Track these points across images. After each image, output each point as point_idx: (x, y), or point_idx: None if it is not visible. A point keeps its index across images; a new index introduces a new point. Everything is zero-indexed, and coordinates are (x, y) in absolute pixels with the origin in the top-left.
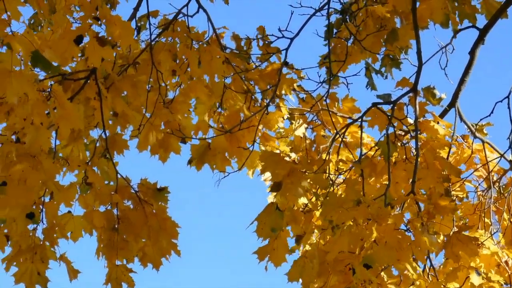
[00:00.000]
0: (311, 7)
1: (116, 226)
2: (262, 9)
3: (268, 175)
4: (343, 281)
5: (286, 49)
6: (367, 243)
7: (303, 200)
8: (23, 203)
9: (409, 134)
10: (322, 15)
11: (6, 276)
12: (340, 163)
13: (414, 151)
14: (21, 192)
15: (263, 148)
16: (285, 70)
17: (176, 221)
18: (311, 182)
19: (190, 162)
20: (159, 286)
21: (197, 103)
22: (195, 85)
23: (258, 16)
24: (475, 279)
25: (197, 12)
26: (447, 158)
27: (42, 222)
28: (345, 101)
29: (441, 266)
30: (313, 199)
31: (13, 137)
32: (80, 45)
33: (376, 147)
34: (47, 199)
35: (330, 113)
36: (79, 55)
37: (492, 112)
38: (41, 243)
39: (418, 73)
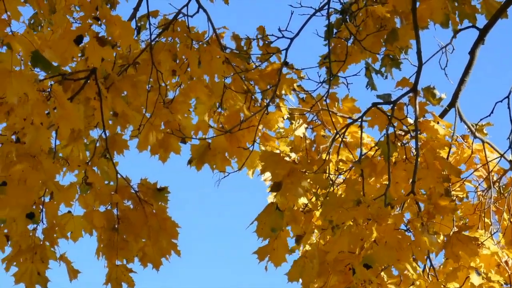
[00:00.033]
0: (311, 7)
1: (116, 226)
2: (262, 9)
3: (268, 175)
4: (343, 281)
5: (286, 49)
6: (367, 243)
7: (303, 200)
8: (23, 203)
9: (409, 134)
10: (322, 15)
11: (6, 276)
12: (340, 163)
13: (414, 151)
14: (21, 192)
15: (263, 148)
16: (285, 70)
17: (176, 221)
18: (311, 182)
19: (190, 162)
20: (159, 286)
21: (197, 103)
22: (195, 85)
23: (258, 16)
24: (475, 279)
25: (197, 12)
26: (447, 158)
27: (42, 222)
28: (345, 101)
29: (441, 266)
30: (313, 199)
31: (13, 137)
32: (80, 45)
33: (376, 147)
34: (47, 199)
35: (330, 113)
36: (79, 55)
37: (492, 112)
38: (41, 243)
39: (418, 73)
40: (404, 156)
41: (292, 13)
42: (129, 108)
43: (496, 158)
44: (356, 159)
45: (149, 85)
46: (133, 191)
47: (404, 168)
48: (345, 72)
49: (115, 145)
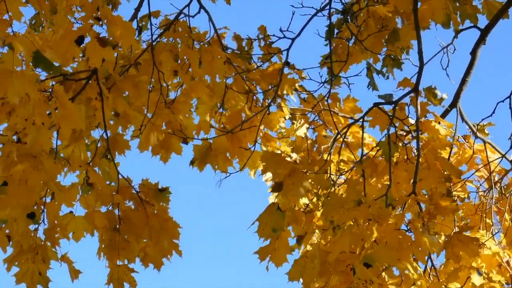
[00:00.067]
0: (312, 7)
1: (118, 226)
2: (263, 10)
3: (269, 175)
4: (344, 282)
5: (288, 49)
6: (367, 243)
7: (304, 201)
8: (24, 203)
9: (410, 134)
10: (324, 15)
11: (7, 276)
12: (341, 163)
13: (415, 151)
14: (22, 192)
15: (264, 148)
16: (286, 70)
17: (177, 221)
18: (312, 183)
19: (192, 162)
20: (160, 286)
21: (199, 104)
22: (196, 85)
23: (259, 16)
24: (476, 279)
25: (198, 12)
26: (449, 158)
27: (44, 222)
28: (346, 101)
29: (442, 266)
30: (314, 200)
31: (14, 137)
32: (81, 46)
33: (377, 148)
34: (48, 200)
35: (332, 113)
36: (80, 55)
37: (493, 112)
38: (43, 243)
39: (419, 73)
40: (406, 157)
41: (293, 13)
42: (131, 108)
43: (498, 158)
44: (358, 159)
45: (151, 85)
46: (134, 192)
47: (405, 168)
48: (347, 72)
49: (116, 145)
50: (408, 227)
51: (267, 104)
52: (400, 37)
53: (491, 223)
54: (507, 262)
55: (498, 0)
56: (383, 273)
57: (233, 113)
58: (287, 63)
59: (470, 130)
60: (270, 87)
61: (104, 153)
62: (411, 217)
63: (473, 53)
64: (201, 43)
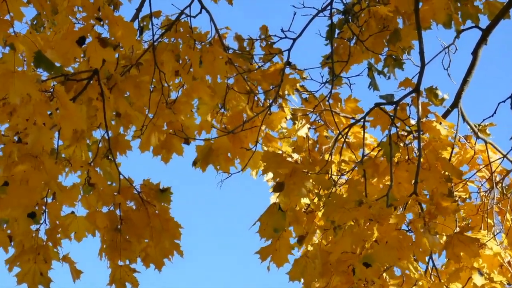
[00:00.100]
0: (313, 8)
1: (119, 226)
2: (265, 10)
3: (271, 175)
4: (346, 282)
5: (289, 50)
6: (368, 243)
7: (305, 201)
8: (25, 203)
9: (411, 135)
10: (325, 16)
11: (8, 277)
12: (343, 164)
13: (416, 151)
14: (23, 192)
15: (265, 148)
16: (287, 70)
17: (178, 221)
18: (314, 183)
19: (195, 163)
20: (162, 286)
21: (200, 104)
22: (198, 86)
23: (261, 16)
24: (478, 280)
25: (200, 12)
26: (450, 158)
27: (45, 223)
28: (348, 102)
29: (444, 267)
30: (316, 200)
31: (15, 137)
32: (82, 46)
33: (379, 148)
34: (50, 200)
35: (333, 113)
36: (82, 55)
37: (495, 113)
38: (44, 243)
39: (420, 73)
40: (407, 157)
41: (294, 14)
42: (132, 109)
43: (499, 158)
44: (359, 160)
45: (152, 86)
46: (135, 192)
47: (406, 169)
48: (348, 72)
49: (117, 145)
50: (409, 227)
51: (268, 104)
52: (402, 37)
53: (492, 224)
54: (509, 262)
55: (499, 1)
56: (384, 274)
57: (235, 113)
58: (288, 63)
59: (471, 130)
60: (271, 87)
61: (106, 154)
62: (412, 217)
63: (475, 53)
64: (203, 44)
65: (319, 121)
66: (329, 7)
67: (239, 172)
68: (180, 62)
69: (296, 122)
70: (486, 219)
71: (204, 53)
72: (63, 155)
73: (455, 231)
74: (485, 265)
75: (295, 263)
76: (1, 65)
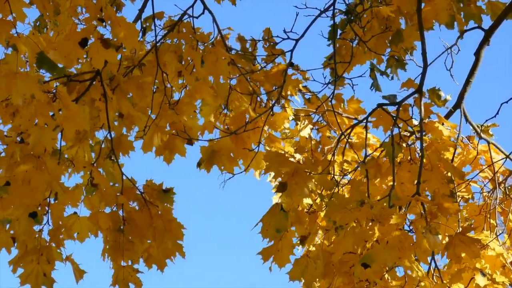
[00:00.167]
0: (316, 8)
1: (122, 227)
2: (267, 10)
3: (273, 175)
4: (348, 283)
5: (291, 50)
6: (369, 244)
7: (307, 201)
8: (27, 203)
9: (414, 135)
10: (327, 16)
11: (12, 278)
12: (345, 164)
13: (419, 152)
14: (25, 192)
15: (268, 149)
16: (290, 71)
17: (181, 222)
18: (316, 183)
19: (199, 164)
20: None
21: (203, 105)
22: (200, 86)
23: (263, 17)
24: (480, 280)
25: (202, 13)
26: (452, 159)
27: (48, 223)
28: (350, 102)
29: (446, 267)
30: (318, 200)
31: (18, 138)
32: (85, 47)
33: (381, 148)
34: (52, 201)
35: (336, 114)
36: (84, 56)
37: (497, 113)
38: (47, 244)
39: (423, 74)
40: (409, 157)
41: (297, 14)
42: (135, 109)
43: (502, 159)
44: (361, 160)
45: (155, 87)
46: (138, 193)
47: (409, 169)
48: (350, 73)
49: (120, 146)
50: (411, 227)
51: (271, 105)
52: (404, 38)
53: (495, 224)
54: (511, 263)
55: (501, 1)
56: (386, 275)
57: (237, 114)
58: (291, 64)
59: (474, 131)
60: (274, 88)
61: (108, 154)
62: (414, 217)
63: (477, 54)
64: (205, 44)
65: (322, 121)
66: (331, 8)
67: (241, 172)
68: (183, 63)
69: (299, 122)
70: (488, 219)
71: (207, 54)
72: (66, 156)
73: (457, 231)
74: (488, 265)
75: (295, 263)
76: (4, 66)
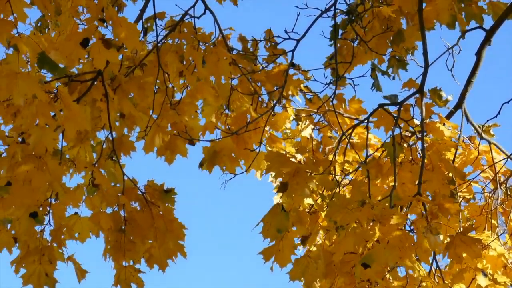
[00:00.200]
0: (317, 8)
1: (123, 227)
2: (268, 11)
3: (274, 175)
4: (350, 283)
5: (293, 51)
6: (370, 244)
7: (308, 201)
8: (28, 203)
9: (415, 136)
10: (328, 16)
11: (14, 278)
12: (346, 164)
13: (420, 152)
14: (26, 192)
15: (269, 149)
16: (291, 71)
17: (183, 222)
18: (317, 183)
19: (201, 165)
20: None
21: (204, 105)
22: (202, 87)
23: (264, 17)
24: (482, 281)
25: (204, 13)
26: (454, 159)
27: (50, 223)
28: (351, 102)
29: (447, 267)
30: (319, 200)
31: (19, 138)
32: (86, 48)
33: (382, 148)
34: (54, 201)
35: (337, 114)
36: (86, 56)
37: (498, 113)
38: (49, 244)
39: (424, 74)
40: (410, 157)
41: (298, 15)
42: (136, 110)
43: (503, 159)
44: (363, 160)
45: (156, 87)
46: (140, 193)
47: (410, 169)
48: (351, 73)
49: (121, 146)
50: (411, 228)
51: (272, 105)
52: (405, 38)
53: (496, 224)
54: None
55: (502, 1)
56: (388, 275)
57: (239, 114)
58: (292, 64)
59: (475, 131)
60: (275, 88)
61: (110, 154)
62: (415, 217)
63: (479, 54)
64: (207, 44)
65: (323, 121)
66: (332, 8)
67: (243, 173)
68: (184, 63)
69: (300, 122)
70: (490, 219)
71: (208, 54)
72: (67, 156)
73: (458, 231)
74: (489, 266)
75: (296, 263)
76: (5, 66)
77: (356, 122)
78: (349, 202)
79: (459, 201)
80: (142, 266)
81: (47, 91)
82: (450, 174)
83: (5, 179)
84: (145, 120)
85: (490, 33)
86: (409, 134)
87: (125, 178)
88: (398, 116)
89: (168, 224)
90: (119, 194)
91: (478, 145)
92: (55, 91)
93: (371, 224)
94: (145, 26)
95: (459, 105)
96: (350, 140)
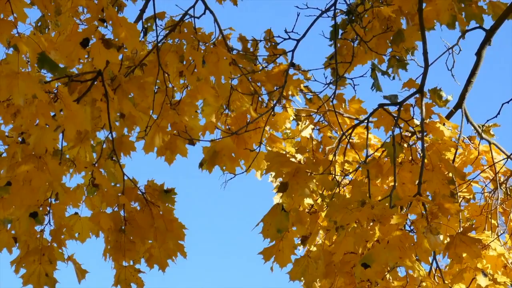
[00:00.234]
0: (317, 8)
1: (123, 227)
2: (268, 11)
3: (274, 175)
4: (350, 283)
5: (293, 51)
6: (370, 244)
7: (308, 201)
8: (28, 203)
9: (415, 136)
10: (328, 16)
11: (14, 278)
12: (346, 164)
13: (420, 152)
14: (26, 192)
15: (269, 149)
16: (291, 71)
17: (182, 222)
18: (317, 183)
19: (201, 165)
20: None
21: (204, 105)
22: (202, 87)
23: (264, 17)
24: (482, 281)
25: (204, 13)
26: (454, 159)
27: (50, 223)
28: (352, 102)
29: (447, 267)
30: (319, 200)
31: (19, 138)
32: (86, 48)
33: (382, 148)
34: (54, 201)
35: (337, 114)
36: (86, 56)
37: (498, 113)
38: (49, 244)
39: (424, 74)
40: (410, 158)
41: (298, 15)
42: (136, 110)
43: (503, 159)
44: (363, 160)
45: (156, 87)
46: (140, 193)
47: (410, 169)
48: (351, 73)
49: (121, 146)
50: (411, 228)
51: (272, 105)
52: (405, 38)
53: (496, 224)
54: None
55: (503, 1)
56: (388, 275)
57: (239, 114)
58: (292, 64)
59: (475, 131)
60: (275, 88)
61: (110, 155)
62: (415, 217)
63: (479, 54)
64: (207, 44)
65: (323, 121)
66: (332, 8)
67: (243, 173)
68: (184, 63)
69: (300, 122)
70: (490, 219)
71: (208, 54)
72: (67, 156)
73: (458, 231)
74: (489, 266)
75: (295, 263)
76: (5, 66)
77: (356, 122)
78: (349, 202)
79: (459, 201)
80: (142, 266)
81: (47, 91)
82: (450, 174)
83: (5, 179)
84: (145, 120)
85: (490, 33)
86: (409, 134)
87: (125, 178)
88: (398, 116)
89: (168, 224)
90: (119, 194)
91: (478, 145)
92: (55, 91)
93: (371, 224)
94: (145, 26)
95: (459, 105)
96: (350, 140)
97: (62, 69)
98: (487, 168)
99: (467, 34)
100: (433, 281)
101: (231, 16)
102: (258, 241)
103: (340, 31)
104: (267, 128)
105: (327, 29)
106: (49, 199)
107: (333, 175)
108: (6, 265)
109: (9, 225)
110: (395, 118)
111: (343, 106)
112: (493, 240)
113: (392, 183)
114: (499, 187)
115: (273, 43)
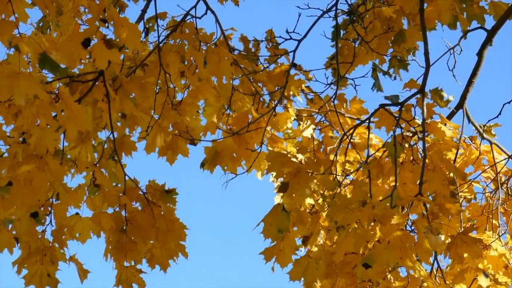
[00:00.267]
0: (318, 9)
1: (124, 227)
2: (270, 11)
3: (275, 175)
4: (351, 283)
5: (294, 51)
6: (371, 244)
7: (309, 201)
8: (29, 203)
9: (416, 136)
10: (330, 17)
11: (16, 278)
12: (347, 164)
13: (421, 152)
14: (26, 192)
15: (271, 149)
16: (293, 71)
17: (184, 222)
18: (318, 183)
19: (203, 165)
20: (167, 287)
21: (206, 105)
22: (203, 87)
23: (266, 17)
24: (483, 281)
25: (205, 13)
26: (455, 159)
27: (51, 224)
28: (353, 102)
29: (448, 267)
30: (320, 200)
31: (20, 138)
32: (87, 48)
33: (384, 148)
34: (55, 201)
35: (338, 114)
36: (87, 56)
37: (500, 113)
38: (50, 244)
39: (425, 74)
40: (411, 158)
41: (299, 15)
42: (137, 110)
43: (504, 159)
44: (364, 160)
45: (158, 87)
46: (141, 193)
47: (411, 169)
48: (353, 73)
49: (123, 146)
50: (412, 228)
51: (273, 105)
52: (406, 38)
53: (497, 224)
54: None
55: (504, 1)
56: (389, 275)
57: (240, 114)
58: (293, 65)
59: (476, 131)
60: (276, 88)
61: (111, 155)
62: (416, 217)
63: (480, 54)
64: (208, 45)
65: (324, 121)
66: (334, 8)
67: (244, 173)
68: (186, 63)
69: (301, 122)
70: (491, 220)
71: (210, 54)
72: (68, 156)
73: (459, 231)
74: (490, 266)
75: (296, 263)
76: (6, 67)
77: (357, 122)
78: (350, 202)
79: (460, 201)
80: (144, 266)
81: (48, 91)
82: (451, 174)
83: (6, 179)
84: (147, 120)
85: (491, 33)
86: (410, 134)
87: (127, 178)
88: (400, 116)
89: (169, 224)
90: (121, 194)
91: (479, 145)
92: (57, 91)
93: (372, 224)
94: (147, 26)
95: (460, 105)
96: (351, 140)
97: (63, 69)
98: (488, 168)
99: (468, 34)
100: (434, 281)
101: (233, 17)
102: (259, 241)
103: (342, 32)
104: (268, 128)
105: (329, 29)
106: (50, 199)
107: (334, 175)
108: (7, 266)
109: (10, 225)
110: (396, 118)
111: (344, 106)
112: (494, 240)
113: (393, 183)
114: (500, 187)
115: (275, 44)
